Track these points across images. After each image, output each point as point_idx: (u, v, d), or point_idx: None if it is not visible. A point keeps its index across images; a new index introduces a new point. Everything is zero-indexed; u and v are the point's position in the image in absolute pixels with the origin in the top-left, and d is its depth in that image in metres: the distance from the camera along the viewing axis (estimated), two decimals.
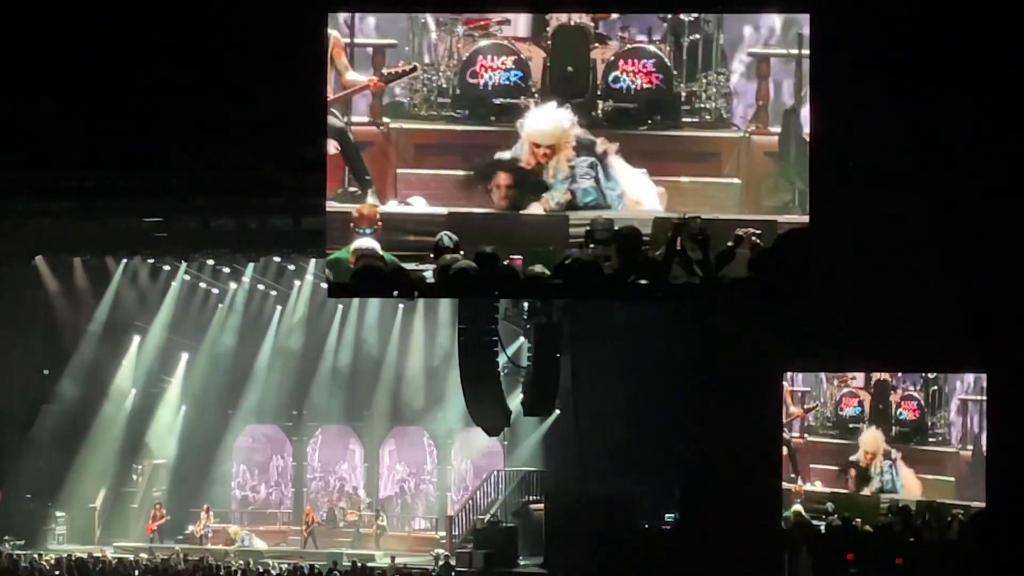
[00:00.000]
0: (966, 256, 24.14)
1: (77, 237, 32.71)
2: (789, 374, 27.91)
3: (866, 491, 27.29)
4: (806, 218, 18.19)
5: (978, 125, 22.77)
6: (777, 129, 18.84)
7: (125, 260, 34.95)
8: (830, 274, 20.13)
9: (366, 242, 17.25)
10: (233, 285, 37.05)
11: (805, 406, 28.28)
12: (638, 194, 18.24)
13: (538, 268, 15.83)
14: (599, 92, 18.70)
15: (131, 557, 31.04)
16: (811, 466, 28.00)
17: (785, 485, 27.13)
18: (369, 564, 29.62)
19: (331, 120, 18.28)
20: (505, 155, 18.13)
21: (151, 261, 35.05)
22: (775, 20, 18.82)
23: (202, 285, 37.20)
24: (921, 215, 23.87)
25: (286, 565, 28.54)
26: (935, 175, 23.42)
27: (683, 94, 18.91)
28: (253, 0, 22.21)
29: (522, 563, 31.10)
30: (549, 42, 18.77)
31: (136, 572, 25.82)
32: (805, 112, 18.83)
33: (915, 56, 21.92)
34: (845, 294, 24.06)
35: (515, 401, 28.46)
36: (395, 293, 21.13)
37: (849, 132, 21.73)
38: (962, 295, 24.24)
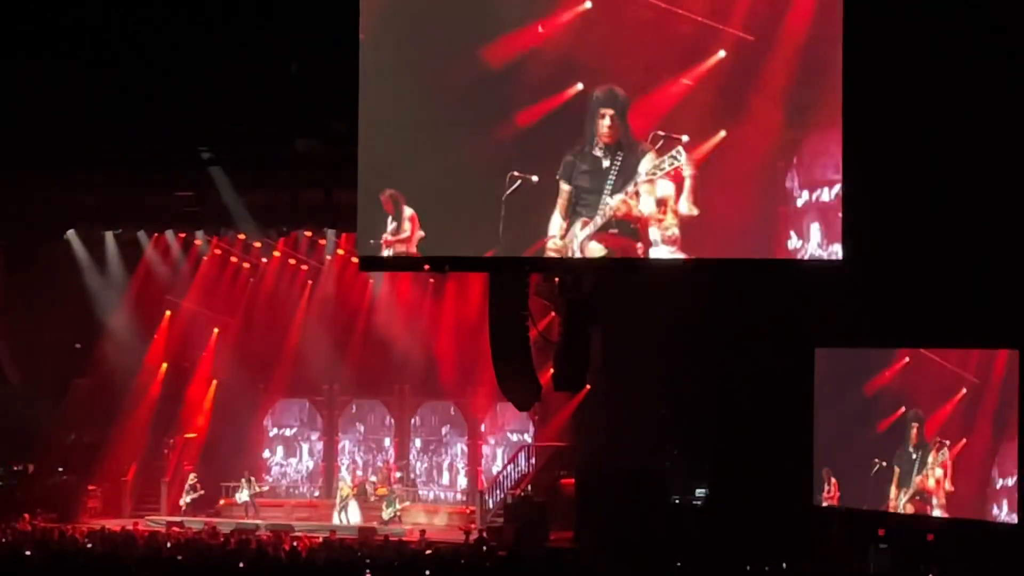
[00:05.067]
0: (1000, 232, 24.02)
1: (109, 210, 32.77)
2: None
3: None
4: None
5: (1014, 102, 22.65)
6: None
7: (157, 234, 34.97)
8: (862, 251, 20.08)
9: None
10: (264, 259, 37.06)
11: None
12: None
13: None
14: None
15: (163, 530, 31.16)
16: None
17: None
18: (404, 539, 29.75)
19: None
20: None
21: (183, 235, 35.09)
22: None
23: (233, 259, 37.26)
24: (954, 190, 23.75)
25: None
26: (969, 150, 23.30)
27: None
28: None
29: (553, 538, 31.15)
30: None
31: (168, 545, 25.87)
32: None
33: (952, 25, 21.82)
34: (877, 271, 23.99)
35: (546, 375, 28.41)
36: (426, 267, 21.19)
37: (883, 110, 21.66)
38: (995, 271, 24.12)
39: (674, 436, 29.95)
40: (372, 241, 20.43)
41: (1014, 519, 23.95)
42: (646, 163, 19.41)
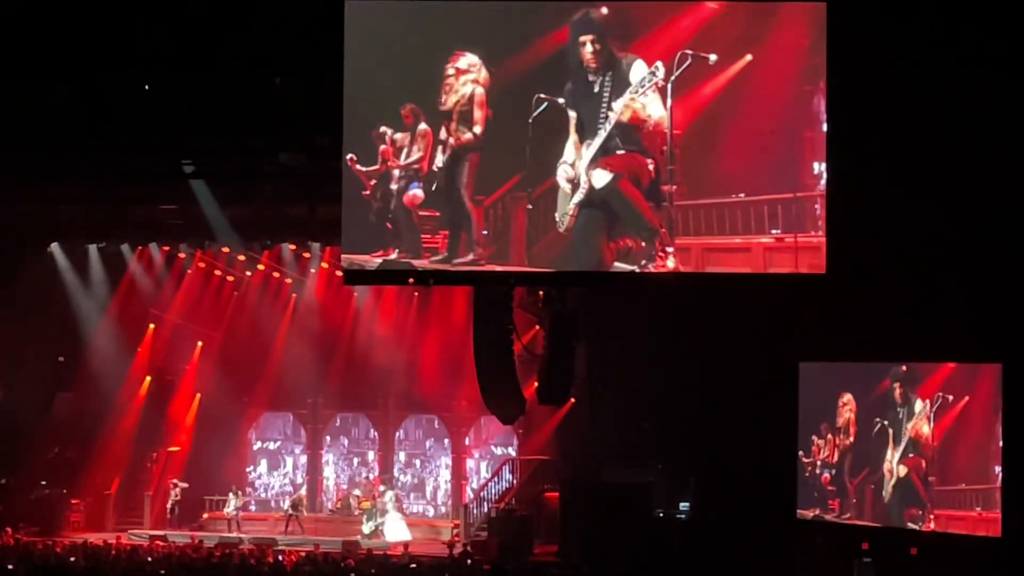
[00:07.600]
0: (981, 246, 24.07)
1: (93, 224, 32.76)
2: None
3: None
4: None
5: (995, 117, 22.70)
6: None
7: (140, 247, 34.93)
8: (845, 266, 20.09)
9: None
10: (248, 273, 37.03)
11: None
12: None
13: None
14: None
15: (146, 544, 31.08)
16: None
17: None
18: (388, 552, 29.70)
19: None
20: None
21: (166, 248, 35.05)
22: None
23: (217, 272, 37.22)
24: (935, 206, 23.80)
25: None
26: (950, 166, 23.36)
27: None
28: None
29: (536, 551, 31.11)
30: None
31: (150, 559, 25.80)
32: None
33: (933, 42, 21.87)
34: (860, 285, 24.01)
35: (530, 389, 28.41)
36: (411, 281, 21.14)
37: (864, 124, 21.69)
38: (976, 285, 24.17)
39: (658, 450, 29.94)
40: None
41: None
42: (636, 72, 19.35)
